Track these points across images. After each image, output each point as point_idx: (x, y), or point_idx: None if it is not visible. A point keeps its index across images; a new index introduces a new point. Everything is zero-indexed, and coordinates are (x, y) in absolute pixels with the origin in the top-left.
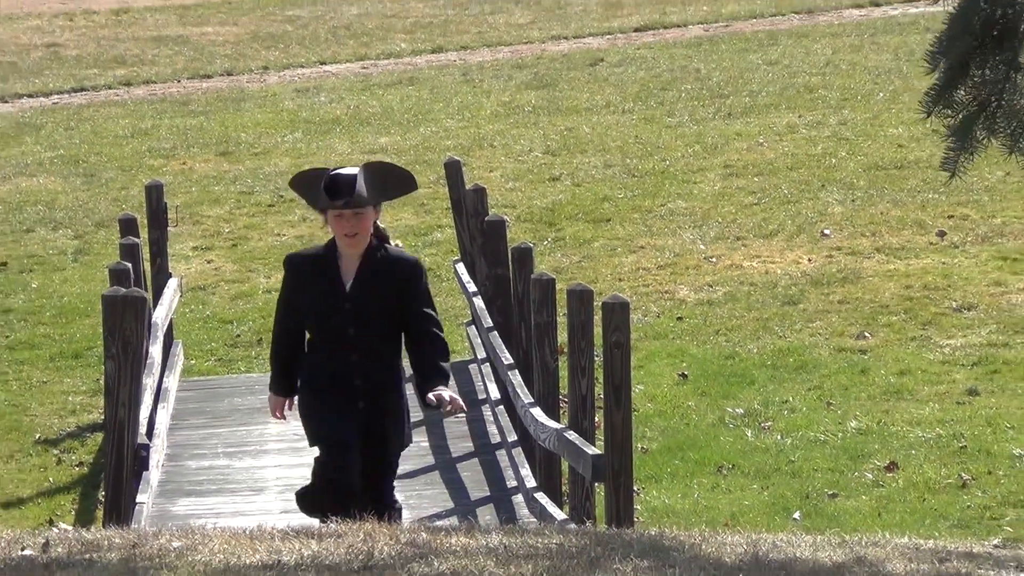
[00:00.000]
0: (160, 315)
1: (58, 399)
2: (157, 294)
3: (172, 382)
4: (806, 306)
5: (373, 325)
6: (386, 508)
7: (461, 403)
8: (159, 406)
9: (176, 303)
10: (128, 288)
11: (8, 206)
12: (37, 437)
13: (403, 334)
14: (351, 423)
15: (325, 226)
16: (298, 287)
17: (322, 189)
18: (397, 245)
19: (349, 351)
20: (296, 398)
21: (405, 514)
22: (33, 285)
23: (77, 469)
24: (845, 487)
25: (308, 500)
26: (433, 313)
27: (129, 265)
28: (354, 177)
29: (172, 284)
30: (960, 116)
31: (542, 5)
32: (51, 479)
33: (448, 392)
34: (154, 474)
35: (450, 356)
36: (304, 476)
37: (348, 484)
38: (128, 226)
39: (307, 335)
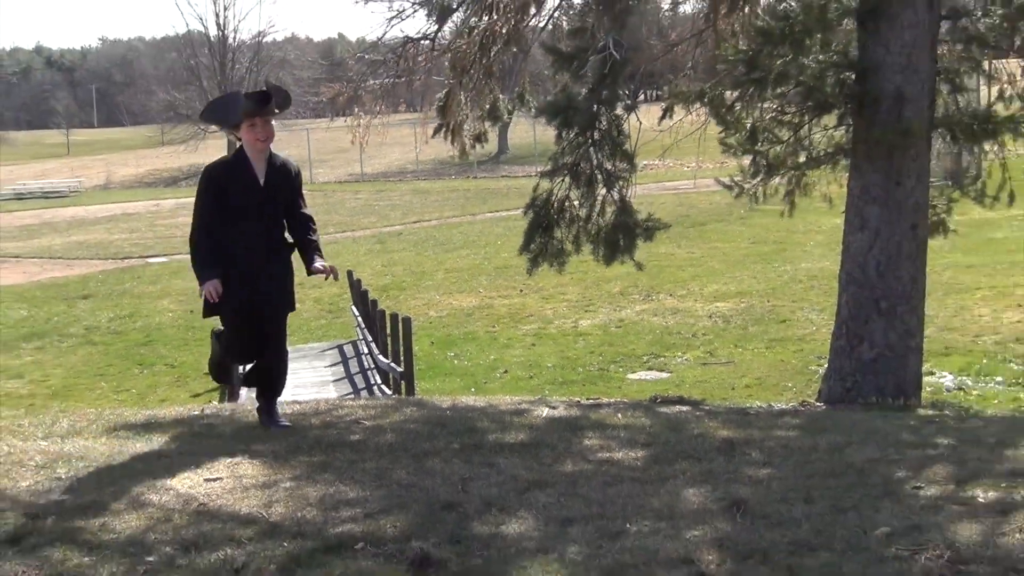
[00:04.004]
0: None
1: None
2: None
3: None
4: (477, 317)
5: (277, 213)
6: (281, 357)
7: (335, 269)
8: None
9: None
10: None
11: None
12: (203, 371)
13: (286, 218)
14: (252, 296)
15: (232, 134)
16: (222, 188)
17: (252, 101)
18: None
19: (259, 235)
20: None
21: (334, 392)
22: (191, 311)
23: (219, 385)
24: (491, 380)
25: (216, 366)
26: (307, 203)
27: None
28: (269, 94)
29: None
30: (534, 254)
31: (378, 214)
32: (210, 387)
33: (325, 263)
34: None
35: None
36: (308, 382)
37: (247, 355)
38: None
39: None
